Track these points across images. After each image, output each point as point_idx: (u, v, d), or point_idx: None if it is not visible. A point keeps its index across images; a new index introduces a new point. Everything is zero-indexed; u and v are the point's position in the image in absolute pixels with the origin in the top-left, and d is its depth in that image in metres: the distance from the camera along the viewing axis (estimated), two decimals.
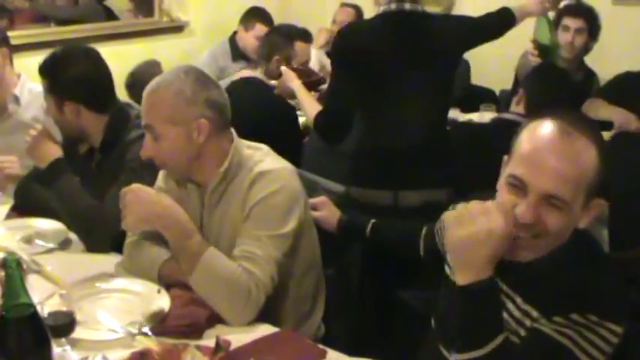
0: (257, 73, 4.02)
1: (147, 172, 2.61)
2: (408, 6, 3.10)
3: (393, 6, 3.11)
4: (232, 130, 2.42)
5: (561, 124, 1.73)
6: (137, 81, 4.31)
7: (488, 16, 3.36)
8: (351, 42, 3.18)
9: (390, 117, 3.15)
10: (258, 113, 3.64)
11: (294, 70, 3.76)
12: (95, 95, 2.81)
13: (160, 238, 2.31)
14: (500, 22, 3.38)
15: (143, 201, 2.23)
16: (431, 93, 3.15)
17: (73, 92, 2.77)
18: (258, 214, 2.25)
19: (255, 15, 5.56)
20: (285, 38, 4.00)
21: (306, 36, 4.14)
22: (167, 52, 5.29)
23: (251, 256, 2.20)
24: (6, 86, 3.64)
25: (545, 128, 1.74)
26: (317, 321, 2.54)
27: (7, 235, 2.73)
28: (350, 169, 3.31)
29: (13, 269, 1.53)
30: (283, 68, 3.79)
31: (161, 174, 2.54)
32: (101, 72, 2.86)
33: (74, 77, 2.78)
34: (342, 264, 2.85)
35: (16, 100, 3.65)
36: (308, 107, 3.42)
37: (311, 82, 3.82)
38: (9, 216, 2.99)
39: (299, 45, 4.02)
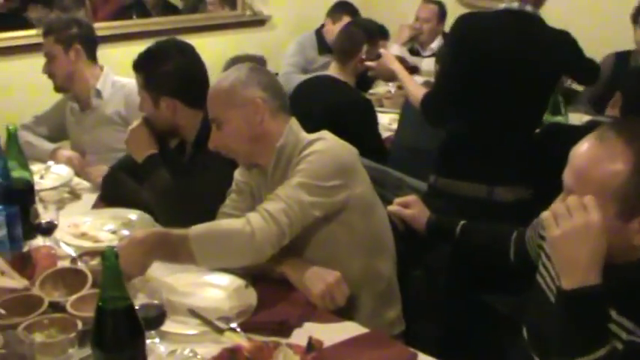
0: (330, 70, 3.98)
1: (234, 169, 2.61)
2: (529, 8, 3.11)
3: (515, 5, 3.11)
4: (294, 119, 2.44)
5: (608, 128, 1.72)
6: None
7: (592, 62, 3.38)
8: (469, 29, 3.20)
9: (489, 113, 3.14)
10: (333, 110, 3.61)
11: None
12: (191, 90, 2.80)
13: None
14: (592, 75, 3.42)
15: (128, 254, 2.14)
16: (531, 95, 3.15)
17: (169, 87, 2.77)
18: (299, 167, 2.28)
19: (344, 8, 5.56)
20: (368, 34, 3.95)
21: (384, 32, 4.09)
22: (249, 45, 5.30)
23: (272, 196, 2.23)
24: (85, 81, 3.68)
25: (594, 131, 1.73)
26: (394, 315, 2.48)
27: (94, 225, 2.75)
28: (442, 160, 3.29)
29: (112, 261, 1.53)
30: (383, 51, 3.84)
31: (238, 170, 2.57)
32: (197, 67, 2.85)
33: (170, 72, 2.77)
34: (429, 265, 2.80)
35: (99, 94, 3.68)
36: (412, 87, 3.50)
37: (405, 68, 3.81)
38: (96, 205, 3.01)
39: (379, 42, 3.98)
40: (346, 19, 5.20)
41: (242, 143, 2.39)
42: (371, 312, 2.37)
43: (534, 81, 3.11)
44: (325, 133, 2.40)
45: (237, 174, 2.57)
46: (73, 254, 2.44)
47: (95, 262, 2.27)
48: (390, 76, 3.81)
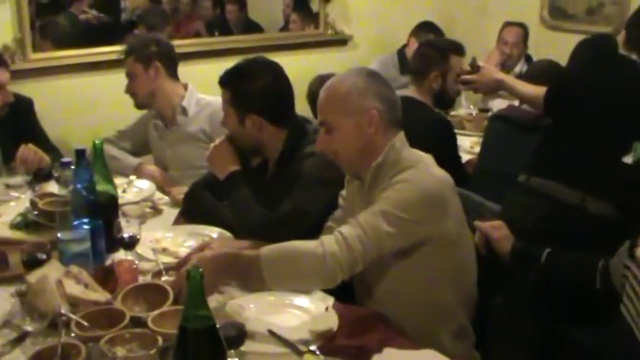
0: (408, 91, 3.95)
1: (319, 188, 2.61)
2: (634, 56, 3.13)
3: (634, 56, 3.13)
4: (401, 134, 2.41)
5: None
6: (314, 95, 4.31)
7: None
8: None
9: (595, 126, 3.14)
10: (411, 131, 3.58)
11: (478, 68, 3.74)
12: (277, 109, 2.81)
13: None
14: None
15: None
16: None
17: (256, 105, 2.78)
18: (384, 193, 2.24)
19: (428, 28, 5.55)
20: (440, 52, 3.89)
21: (459, 49, 4.03)
22: (330, 64, 5.26)
23: (351, 221, 2.20)
24: (168, 98, 3.72)
25: None
26: (469, 346, 2.43)
27: (175, 241, 2.77)
28: (538, 158, 3.26)
29: (197, 280, 1.53)
30: (481, 63, 3.81)
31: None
32: (284, 86, 2.86)
33: (258, 90, 2.78)
34: (511, 293, 2.73)
35: (184, 111, 3.72)
36: (526, 89, 3.52)
37: None
38: (177, 221, 3.04)
39: (453, 59, 3.92)
40: None
41: (350, 152, 2.38)
42: (445, 344, 2.32)
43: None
44: (426, 158, 2.37)
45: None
46: (161, 266, 2.46)
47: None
48: (494, 88, 3.75)
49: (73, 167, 2.68)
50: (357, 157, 2.37)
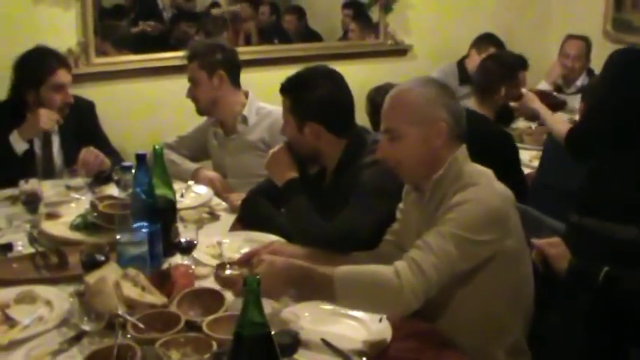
0: (470, 103, 3.91)
1: (377, 199, 2.60)
2: None
3: None
4: (463, 147, 2.38)
5: None
6: (373, 105, 4.32)
7: None
8: (627, 66, 3.15)
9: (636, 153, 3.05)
10: (472, 143, 3.54)
11: (535, 92, 3.72)
12: (337, 118, 2.82)
13: None
14: None
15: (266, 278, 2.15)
16: None
17: (316, 113, 2.78)
18: (450, 215, 2.19)
19: (489, 40, 5.53)
20: (507, 68, 3.86)
21: (525, 64, 3.99)
22: (389, 74, 5.24)
23: (422, 245, 2.15)
24: (229, 107, 3.75)
25: None
26: None
27: (232, 247, 2.79)
28: (586, 198, 3.18)
29: (254, 288, 1.53)
30: (524, 90, 3.83)
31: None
32: (344, 95, 2.86)
33: (319, 98, 2.79)
34: (567, 310, 2.68)
35: (245, 120, 3.74)
36: (555, 123, 3.57)
37: (551, 104, 3.73)
38: (234, 227, 3.05)
39: (520, 74, 3.89)
40: (491, 51, 5.13)
41: (413, 162, 2.34)
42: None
43: None
44: (487, 173, 2.34)
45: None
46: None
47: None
48: (533, 115, 3.75)
49: (133, 171, 2.72)
50: (419, 168, 2.34)
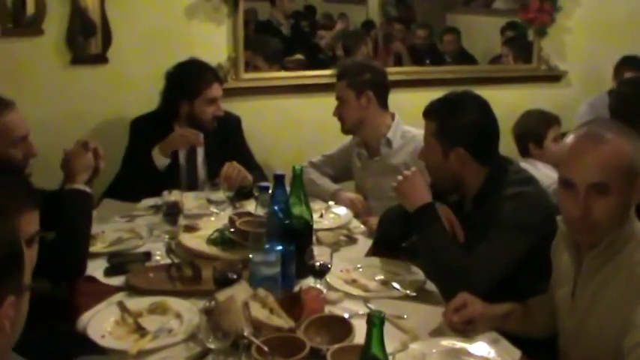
0: None
1: (518, 234, 2.50)
2: None
3: None
4: None
5: None
6: (523, 132, 4.19)
7: None
8: None
9: None
10: None
11: None
12: (484, 145, 2.73)
13: None
14: None
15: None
16: None
17: (463, 140, 2.70)
18: None
19: (628, 63, 5.07)
20: None
21: None
22: (541, 101, 5.07)
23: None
24: (375, 128, 3.70)
25: None
26: None
27: (366, 273, 2.74)
28: None
29: (377, 326, 1.50)
30: None
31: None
32: (492, 121, 2.77)
33: (467, 124, 2.71)
34: None
35: (389, 143, 3.69)
36: None
37: None
38: (370, 252, 2.99)
39: None
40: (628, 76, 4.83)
41: (614, 220, 2.04)
42: None
43: None
44: None
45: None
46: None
47: None
48: None
49: (270, 192, 2.72)
50: (614, 226, 2.06)
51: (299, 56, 5.43)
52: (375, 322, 1.50)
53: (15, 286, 1.36)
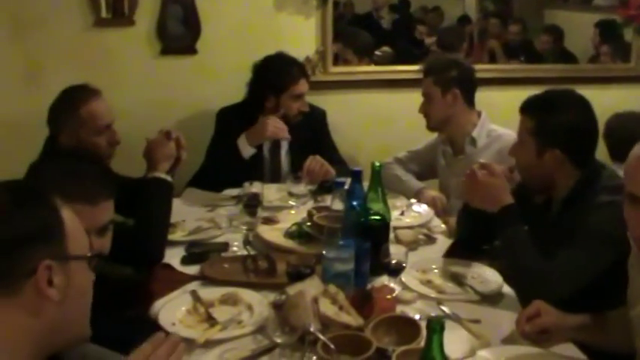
0: None
1: (605, 245, 2.40)
2: None
3: None
4: None
5: None
6: (614, 134, 4.03)
7: None
8: None
9: None
10: None
11: None
12: (582, 148, 2.62)
13: None
14: None
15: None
16: None
17: (561, 140, 2.59)
18: None
19: None
20: None
21: None
22: (635, 102, 4.89)
23: None
24: (461, 126, 3.64)
25: None
26: None
27: (442, 274, 2.70)
28: None
29: (436, 332, 1.47)
30: None
31: None
32: (593, 124, 2.64)
33: (568, 124, 2.60)
34: None
35: (473, 141, 3.62)
36: None
37: None
38: (448, 253, 2.93)
39: None
40: None
41: None
42: None
43: None
44: None
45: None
46: None
47: None
48: None
49: (346, 187, 2.70)
50: None
51: (386, 49, 5.38)
52: (435, 327, 1.46)
53: (52, 252, 1.38)
